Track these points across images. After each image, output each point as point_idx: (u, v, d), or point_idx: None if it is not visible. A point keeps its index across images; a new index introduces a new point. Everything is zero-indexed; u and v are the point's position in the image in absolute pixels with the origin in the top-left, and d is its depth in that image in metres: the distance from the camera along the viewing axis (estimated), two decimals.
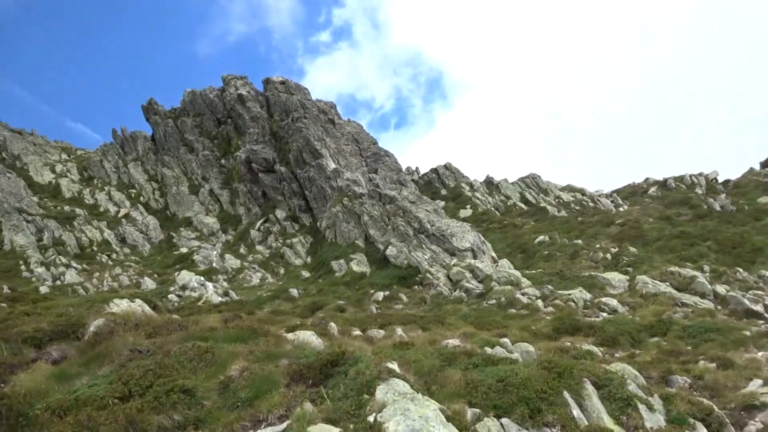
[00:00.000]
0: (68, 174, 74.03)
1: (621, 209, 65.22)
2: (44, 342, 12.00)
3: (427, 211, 48.24)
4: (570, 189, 79.59)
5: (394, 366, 9.77)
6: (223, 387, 8.76)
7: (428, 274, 39.19)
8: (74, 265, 48.76)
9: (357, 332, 18.72)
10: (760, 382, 14.08)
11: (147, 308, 20.34)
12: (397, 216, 47.64)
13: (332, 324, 18.83)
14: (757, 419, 12.21)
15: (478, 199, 70.48)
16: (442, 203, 66.08)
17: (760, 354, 17.65)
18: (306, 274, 48.45)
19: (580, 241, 48.48)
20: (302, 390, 8.74)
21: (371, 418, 7.52)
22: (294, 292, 38.71)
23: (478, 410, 9.46)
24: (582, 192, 77.58)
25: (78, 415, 7.05)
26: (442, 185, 77.29)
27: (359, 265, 45.22)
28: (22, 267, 46.66)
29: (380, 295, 36.41)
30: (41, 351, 11.34)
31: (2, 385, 9.62)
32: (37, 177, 71.19)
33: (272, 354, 9.86)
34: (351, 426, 7.52)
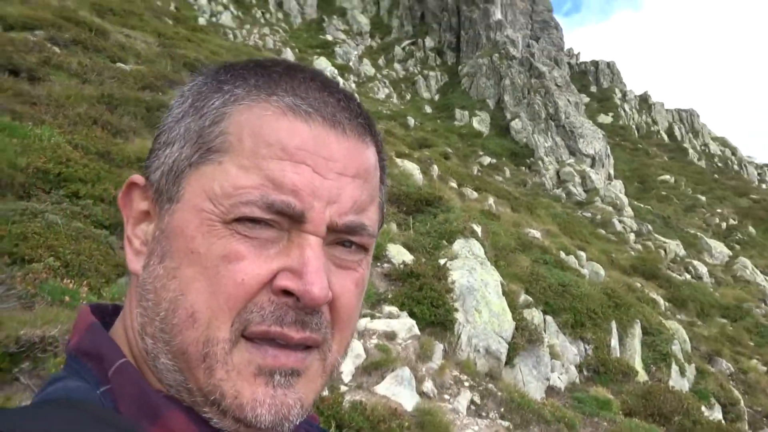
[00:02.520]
0: None
1: (765, 186, 59.95)
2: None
3: (569, 101, 46.18)
4: (723, 143, 72.89)
5: (477, 229, 10.52)
6: None
7: (540, 162, 38.70)
8: (232, 9, 50.85)
9: (453, 184, 19.46)
10: None
11: None
12: (537, 93, 45.98)
13: (435, 167, 19.60)
14: None
15: (624, 110, 66.18)
16: (587, 100, 62.59)
17: None
18: (428, 109, 48.75)
19: (703, 198, 45.75)
20: (394, 212, 9.70)
21: (442, 261, 8.42)
22: (411, 121, 39.41)
23: (531, 299, 10.24)
24: (733, 151, 71.04)
25: None
26: (595, 82, 72.44)
27: (480, 124, 44.94)
28: None
29: (487, 159, 36.62)
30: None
31: (161, 94, 11.12)
32: None
33: None
34: (423, 259, 8.46)
